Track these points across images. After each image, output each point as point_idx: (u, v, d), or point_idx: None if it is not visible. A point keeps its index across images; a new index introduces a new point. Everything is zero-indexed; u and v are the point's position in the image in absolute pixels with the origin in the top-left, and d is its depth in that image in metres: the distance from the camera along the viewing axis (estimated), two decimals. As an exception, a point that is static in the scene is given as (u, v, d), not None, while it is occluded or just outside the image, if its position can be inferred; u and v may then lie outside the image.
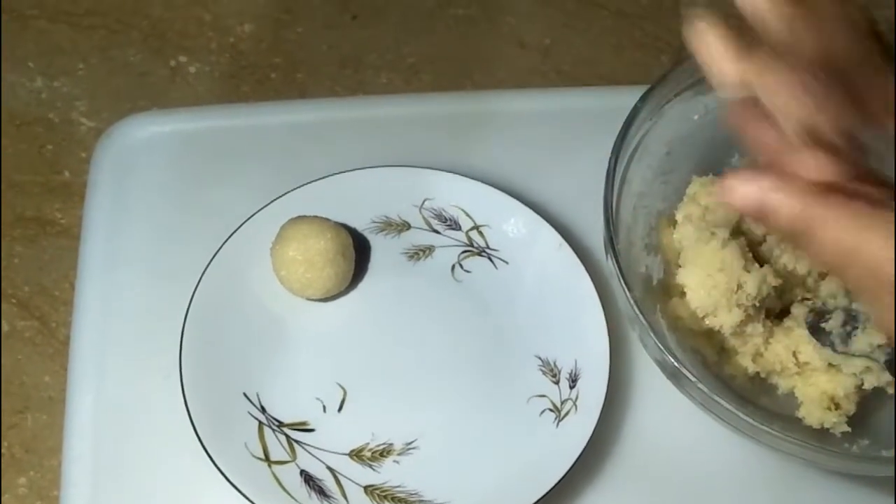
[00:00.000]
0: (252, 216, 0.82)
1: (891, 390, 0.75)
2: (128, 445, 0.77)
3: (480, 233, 0.84)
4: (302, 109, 0.95)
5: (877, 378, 0.74)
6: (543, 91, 0.96)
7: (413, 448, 0.76)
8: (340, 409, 0.77)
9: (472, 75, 1.00)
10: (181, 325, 0.77)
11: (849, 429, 0.74)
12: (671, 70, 0.78)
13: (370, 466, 0.75)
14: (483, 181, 0.84)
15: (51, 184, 0.91)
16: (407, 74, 1.00)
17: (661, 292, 0.79)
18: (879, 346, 0.74)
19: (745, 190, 0.47)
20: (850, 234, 0.46)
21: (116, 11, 1.02)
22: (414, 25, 1.03)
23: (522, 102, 0.95)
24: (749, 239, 0.78)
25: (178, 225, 0.87)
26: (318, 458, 0.75)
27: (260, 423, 0.76)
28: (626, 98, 0.77)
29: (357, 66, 1.00)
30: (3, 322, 0.84)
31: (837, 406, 0.75)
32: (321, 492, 0.73)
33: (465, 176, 0.84)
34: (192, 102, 0.96)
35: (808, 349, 0.75)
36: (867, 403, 0.76)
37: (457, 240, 0.84)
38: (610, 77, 0.99)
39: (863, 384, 0.74)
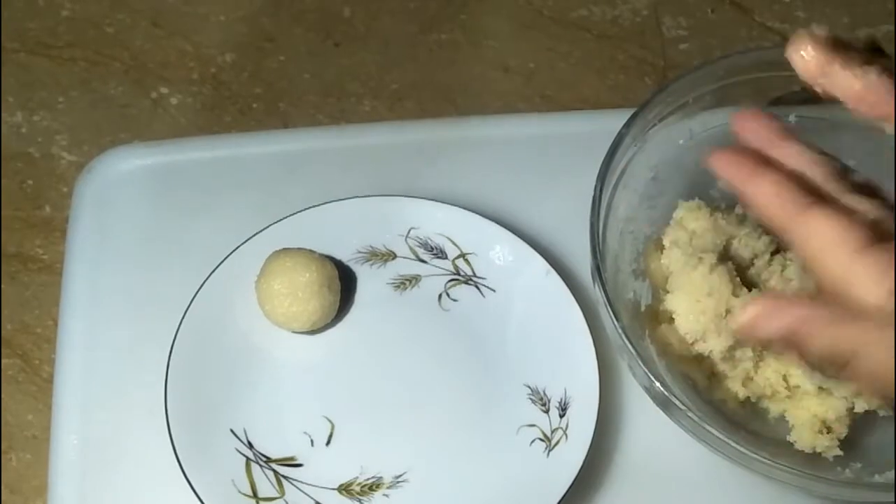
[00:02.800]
0: (236, 249, 0.81)
1: (882, 412, 0.75)
2: (113, 483, 0.76)
3: (467, 261, 0.84)
4: (285, 139, 0.94)
5: (868, 401, 0.74)
6: (528, 116, 0.96)
7: (402, 481, 0.75)
8: (328, 442, 0.77)
9: (456, 101, 1.00)
10: (166, 361, 0.76)
11: (841, 452, 0.74)
12: (655, 94, 0.78)
13: (359, 501, 0.74)
14: (468, 209, 0.84)
15: (32, 219, 0.91)
16: (390, 101, 1.00)
17: (649, 318, 0.78)
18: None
19: (776, 324, 0.45)
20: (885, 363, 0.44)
21: (96, 44, 1.02)
22: (396, 52, 1.03)
23: (507, 127, 0.94)
24: (737, 263, 0.78)
25: (162, 259, 0.86)
26: (306, 494, 0.74)
27: (247, 459, 0.75)
28: (610, 122, 0.76)
29: (340, 93, 1.00)
30: (-15, 360, 0.84)
31: (829, 429, 0.75)
32: (310, 528, 0.72)
33: (451, 204, 0.84)
34: (174, 134, 0.95)
35: (799, 372, 0.75)
36: (859, 427, 0.76)
37: (443, 268, 0.84)
38: (594, 100, 0.99)
39: (854, 407, 0.74)
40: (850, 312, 0.43)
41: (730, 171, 0.50)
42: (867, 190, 0.49)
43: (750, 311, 0.45)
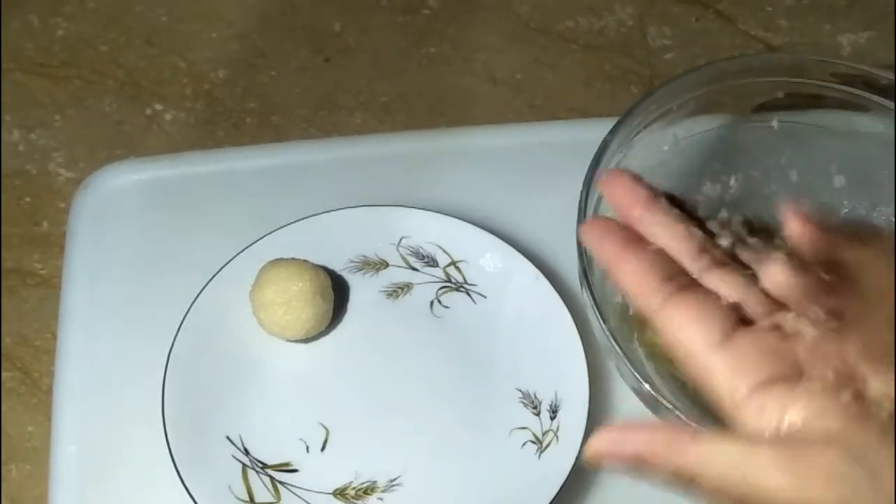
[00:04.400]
0: (230, 261, 0.83)
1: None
2: (113, 492, 0.77)
3: (458, 268, 0.85)
4: (277, 153, 0.96)
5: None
6: (515, 126, 0.97)
7: (396, 485, 0.76)
8: (323, 448, 0.78)
9: (445, 112, 1.01)
10: (163, 371, 0.78)
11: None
12: (639, 102, 0.79)
13: (354, 504, 0.75)
14: (459, 217, 0.85)
15: (30, 235, 0.92)
16: (381, 114, 1.01)
17: (637, 321, 0.79)
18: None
19: (620, 454, 0.46)
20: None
21: (91, 62, 1.03)
22: (386, 65, 1.04)
23: (495, 137, 0.95)
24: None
25: (158, 272, 0.87)
26: (302, 499, 0.75)
27: (244, 465, 0.76)
28: (597, 130, 0.77)
29: (331, 107, 1.01)
30: (-15, 374, 0.85)
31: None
32: (307, 532, 0.73)
33: (441, 213, 0.85)
34: (168, 149, 0.97)
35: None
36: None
37: (435, 276, 0.85)
38: (581, 110, 1.00)
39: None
40: (689, 432, 0.44)
41: (598, 248, 0.51)
42: (737, 257, 0.50)
43: (595, 444, 0.46)
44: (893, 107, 0.79)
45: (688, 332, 0.46)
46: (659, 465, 0.44)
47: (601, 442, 0.45)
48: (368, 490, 0.76)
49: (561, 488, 0.73)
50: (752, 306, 0.47)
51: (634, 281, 0.49)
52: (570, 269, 0.84)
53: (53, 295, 0.86)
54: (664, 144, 0.82)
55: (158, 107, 1.01)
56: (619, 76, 1.04)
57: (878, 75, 0.79)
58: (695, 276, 0.49)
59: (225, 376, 0.80)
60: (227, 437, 0.77)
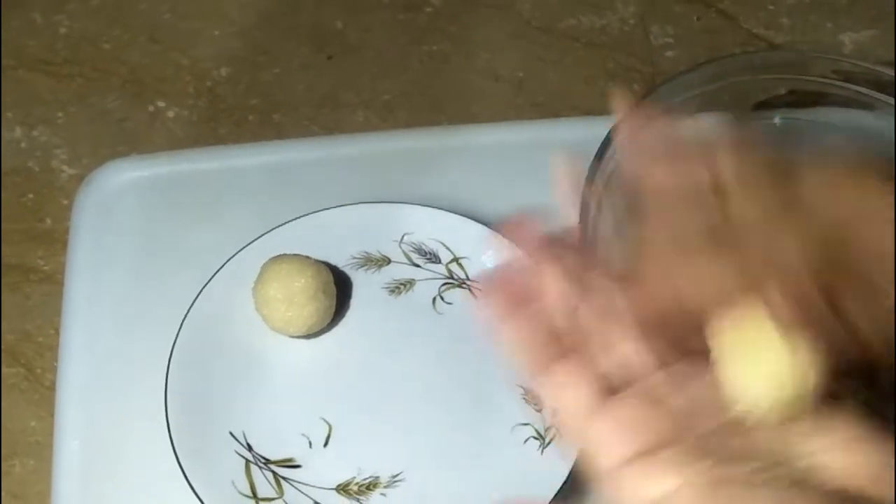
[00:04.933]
0: (233, 256, 0.83)
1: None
2: (115, 486, 0.78)
3: (460, 265, 0.85)
4: (280, 150, 0.96)
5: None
6: (517, 123, 0.97)
7: (399, 480, 0.77)
8: (326, 444, 0.78)
9: (447, 110, 1.01)
10: (165, 367, 0.78)
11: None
12: (640, 99, 0.80)
13: (357, 500, 0.75)
14: (461, 214, 0.85)
15: (33, 231, 0.92)
16: (382, 112, 1.01)
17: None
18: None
19: None
20: None
21: (94, 59, 1.03)
22: (388, 63, 1.04)
23: (497, 135, 0.95)
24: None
25: (161, 268, 0.88)
26: (305, 494, 0.75)
27: (247, 461, 0.76)
28: (599, 128, 0.77)
29: (333, 105, 1.01)
30: (-12, 370, 0.85)
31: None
32: (309, 527, 0.73)
33: (444, 209, 0.85)
34: (171, 146, 0.97)
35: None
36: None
37: (437, 273, 0.85)
38: (583, 108, 1.00)
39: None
40: None
41: (491, 307, 0.51)
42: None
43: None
44: (895, 103, 0.79)
45: (565, 401, 0.47)
46: None
47: None
48: (371, 486, 0.76)
49: (564, 484, 0.73)
50: (626, 367, 0.48)
51: (519, 343, 0.50)
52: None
53: (56, 291, 0.86)
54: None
55: (161, 104, 1.01)
56: (621, 74, 1.04)
57: (880, 72, 0.79)
58: (577, 337, 0.49)
59: (228, 372, 0.80)
60: (231, 433, 0.77)
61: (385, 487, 0.76)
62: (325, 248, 0.84)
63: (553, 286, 0.50)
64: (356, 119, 1.01)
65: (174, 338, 0.79)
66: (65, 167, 0.96)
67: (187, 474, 0.73)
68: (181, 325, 0.80)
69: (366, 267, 0.86)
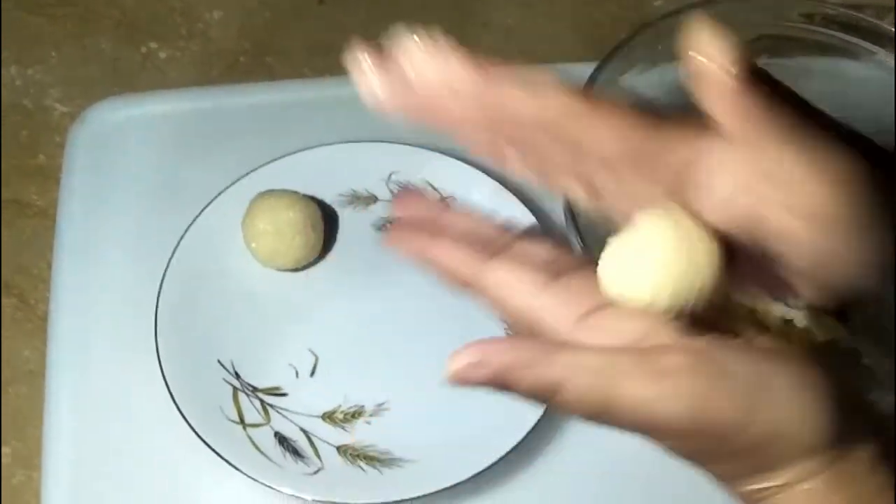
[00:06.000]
0: (223, 191, 0.85)
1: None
2: (106, 414, 0.79)
3: (447, 204, 0.86)
4: (271, 91, 0.97)
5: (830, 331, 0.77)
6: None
7: (384, 409, 0.79)
8: (313, 374, 0.80)
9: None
10: (156, 297, 0.79)
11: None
12: (625, 42, 0.81)
13: (342, 427, 0.77)
14: (448, 154, 0.86)
15: (27, 168, 0.93)
16: (374, 57, 1.02)
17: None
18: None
19: (483, 372, 0.44)
20: None
21: (88, 2, 1.04)
22: (380, 9, 1.05)
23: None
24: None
25: (152, 203, 0.89)
26: (291, 421, 0.77)
27: (234, 388, 0.78)
28: (584, 73, 0.79)
29: (325, 49, 1.02)
30: (-18, 302, 0.87)
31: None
32: (295, 452, 0.75)
33: (430, 149, 0.87)
34: (162, 87, 0.98)
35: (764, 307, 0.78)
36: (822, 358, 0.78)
37: (423, 211, 0.87)
38: (571, 54, 1.01)
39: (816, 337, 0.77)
40: (551, 344, 0.44)
41: (407, 247, 0.51)
42: (532, 238, 0.51)
43: (456, 362, 0.44)
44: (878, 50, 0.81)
45: (509, 286, 0.47)
46: (522, 380, 0.43)
47: (461, 362, 0.44)
48: (356, 414, 0.78)
49: (542, 415, 0.75)
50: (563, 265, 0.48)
51: (449, 256, 0.49)
52: (556, 205, 0.86)
53: (50, 226, 0.87)
54: (649, 86, 0.83)
55: (153, 45, 1.02)
56: (607, 22, 1.05)
57: (862, 18, 0.80)
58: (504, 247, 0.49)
59: (217, 303, 0.82)
60: (219, 362, 0.79)
61: (370, 416, 0.78)
62: (313, 185, 0.86)
63: (466, 221, 0.51)
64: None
65: (164, 270, 0.81)
66: (58, 105, 0.97)
67: (176, 400, 0.75)
68: (171, 257, 0.81)
69: (353, 205, 0.87)
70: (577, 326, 0.45)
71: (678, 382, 0.41)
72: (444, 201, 0.54)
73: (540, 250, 0.49)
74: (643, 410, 0.42)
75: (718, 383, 0.41)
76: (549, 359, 0.43)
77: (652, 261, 0.43)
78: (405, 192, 0.55)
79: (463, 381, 0.44)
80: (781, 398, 0.41)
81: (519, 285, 0.46)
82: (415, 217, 0.52)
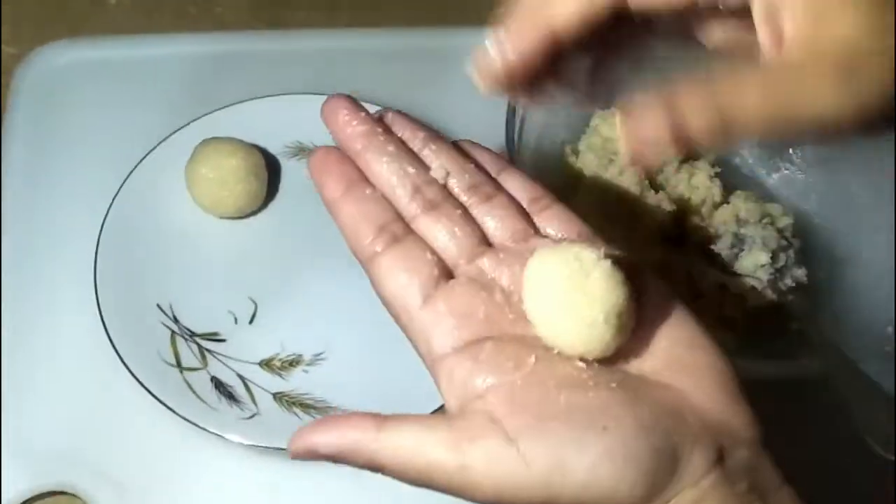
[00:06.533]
0: (167, 138, 0.85)
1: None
2: (43, 355, 0.79)
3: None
4: (219, 41, 0.97)
5: (761, 297, 0.78)
6: (443, 29, 0.98)
7: (321, 359, 0.79)
8: (252, 321, 0.80)
9: (389, 12, 1.02)
10: (96, 239, 0.79)
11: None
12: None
13: (279, 375, 0.78)
14: (395, 110, 0.86)
15: (-30, 109, 0.93)
16: (326, 11, 1.02)
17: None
18: (762, 266, 0.78)
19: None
20: None
21: (39, -56, 1.03)
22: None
23: (430, 39, 0.98)
24: (646, 168, 0.82)
25: (96, 148, 0.89)
26: (228, 367, 0.78)
27: (172, 332, 0.78)
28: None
29: (276, 2, 1.02)
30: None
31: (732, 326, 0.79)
32: (231, 397, 0.76)
33: (378, 105, 0.87)
34: (111, 32, 0.97)
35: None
36: (754, 322, 0.80)
37: (368, 165, 0.87)
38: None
39: (748, 302, 0.79)
40: (374, 421, 0.45)
41: (320, 185, 0.53)
42: (454, 160, 0.53)
43: (294, 445, 0.46)
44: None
45: (396, 285, 0.49)
46: (352, 461, 0.44)
47: (299, 447, 0.45)
48: (294, 363, 0.79)
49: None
50: (457, 249, 0.50)
51: (351, 227, 0.51)
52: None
53: (-8, 165, 0.87)
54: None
55: (103, -10, 1.01)
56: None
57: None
58: (408, 220, 0.51)
59: (157, 248, 0.82)
60: (158, 305, 0.79)
61: (307, 365, 0.79)
62: (258, 134, 0.86)
63: (388, 166, 0.52)
64: (298, 17, 1.02)
65: (105, 213, 0.81)
66: (5, 46, 0.96)
67: (114, 341, 0.75)
68: (112, 200, 0.81)
69: (298, 156, 0.88)
70: (437, 364, 0.47)
71: (479, 454, 0.42)
72: (372, 125, 0.54)
73: (440, 232, 0.50)
74: (457, 481, 0.43)
75: (516, 466, 0.42)
76: (371, 444, 0.44)
77: (544, 301, 0.45)
78: (335, 98, 0.54)
79: (305, 459, 0.45)
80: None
81: (403, 291, 0.49)
82: (345, 136, 0.53)
